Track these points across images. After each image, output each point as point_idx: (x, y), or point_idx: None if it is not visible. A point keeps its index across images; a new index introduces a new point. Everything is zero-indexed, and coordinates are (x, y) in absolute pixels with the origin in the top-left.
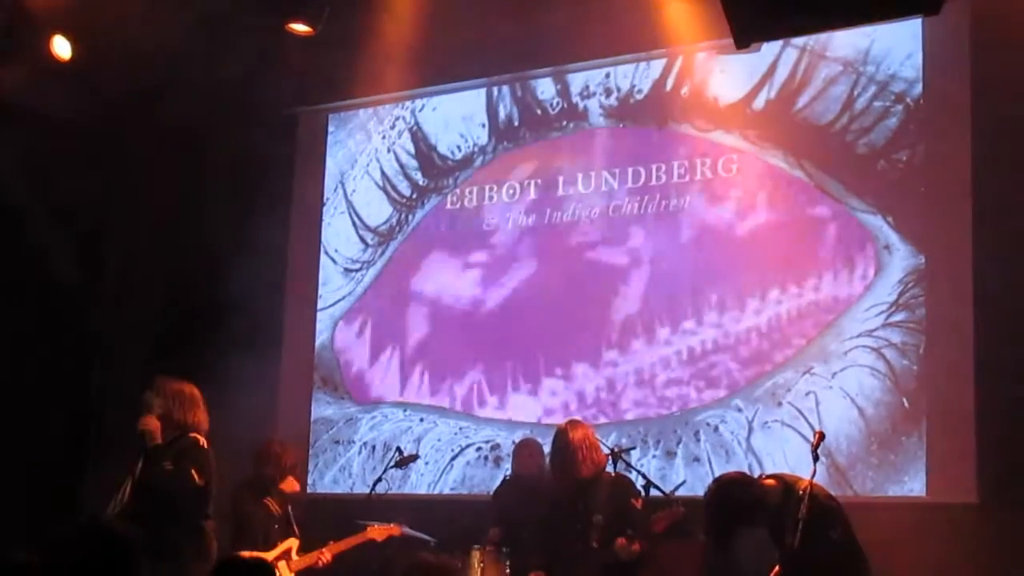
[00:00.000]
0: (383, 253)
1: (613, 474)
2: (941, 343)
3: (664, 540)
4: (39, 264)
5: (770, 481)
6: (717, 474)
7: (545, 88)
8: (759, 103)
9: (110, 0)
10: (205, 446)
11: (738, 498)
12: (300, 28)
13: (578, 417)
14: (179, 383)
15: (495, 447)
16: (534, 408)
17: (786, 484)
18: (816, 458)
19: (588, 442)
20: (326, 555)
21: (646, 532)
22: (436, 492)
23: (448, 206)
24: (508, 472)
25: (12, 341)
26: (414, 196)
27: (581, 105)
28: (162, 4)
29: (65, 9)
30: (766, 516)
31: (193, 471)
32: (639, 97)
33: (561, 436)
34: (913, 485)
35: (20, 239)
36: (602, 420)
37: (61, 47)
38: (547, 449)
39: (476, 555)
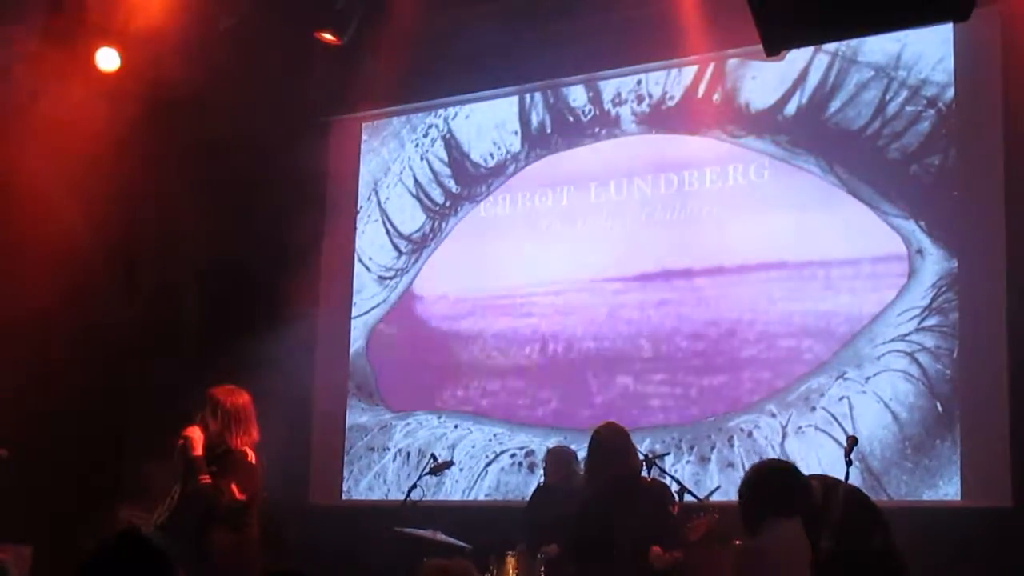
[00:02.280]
0: (417, 260)
1: (648, 479)
2: (974, 347)
3: (698, 546)
4: (74, 266)
5: (812, 482)
6: None
7: (577, 95)
8: (791, 109)
9: (147, 11)
10: (251, 460)
11: (774, 485)
12: (328, 38)
13: (613, 420)
14: (230, 394)
15: (529, 453)
16: (567, 414)
17: (826, 486)
18: (849, 463)
19: (623, 445)
20: None
21: (682, 539)
22: (471, 499)
23: (482, 213)
24: (542, 479)
25: (49, 345)
26: (447, 203)
27: (613, 112)
28: (197, 15)
29: (106, 20)
30: (801, 511)
31: (234, 486)
32: (671, 104)
33: (596, 439)
34: (948, 489)
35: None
36: (635, 425)
37: (106, 59)
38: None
39: (511, 561)
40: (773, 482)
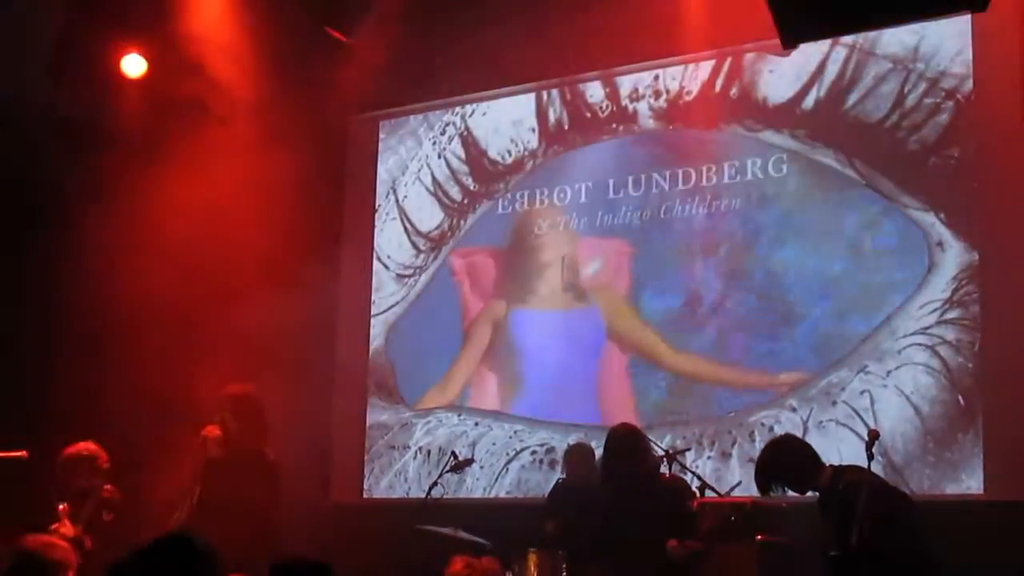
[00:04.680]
0: (435, 258)
1: (668, 475)
2: (996, 339)
3: (720, 540)
4: (92, 270)
5: (827, 468)
6: None
7: (594, 91)
8: (809, 102)
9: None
10: (270, 458)
11: (783, 463)
12: (337, 35)
13: (629, 420)
14: (247, 394)
15: (550, 450)
16: (587, 411)
17: (836, 474)
18: (871, 457)
19: (638, 445)
20: None
21: (700, 534)
22: (491, 496)
23: (499, 210)
24: (561, 476)
25: (69, 350)
26: (465, 201)
27: (630, 107)
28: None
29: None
30: (811, 490)
31: (255, 485)
32: (688, 98)
33: (612, 438)
34: (971, 483)
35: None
36: (656, 422)
37: (132, 65)
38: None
39: (532, 558)
40: (784, 461)
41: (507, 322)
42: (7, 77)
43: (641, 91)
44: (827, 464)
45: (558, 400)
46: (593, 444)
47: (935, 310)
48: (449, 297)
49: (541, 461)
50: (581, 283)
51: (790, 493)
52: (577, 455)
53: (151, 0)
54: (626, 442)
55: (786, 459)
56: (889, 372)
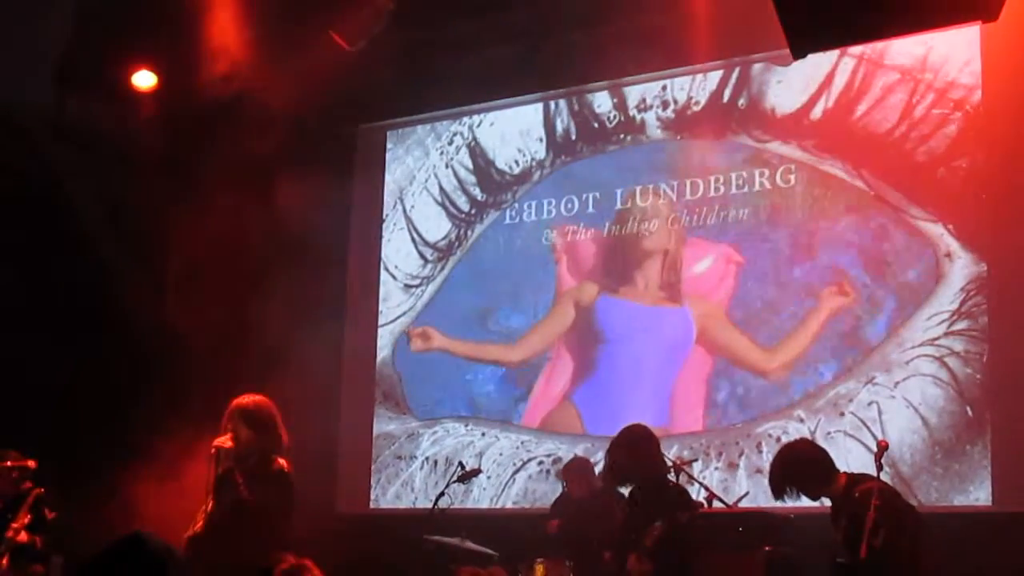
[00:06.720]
0: (443, 268)
1: (672, 484)
2: (1004, 351)
3: (727, 551)
4: (106, 284)
5: (841, 475)
6: None
7: (602, 102)
8: (817, 113)
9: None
10: (286, 469)
11: (799, 467)
12: (344, 44)
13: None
14: (257, 402)
15: (556, 461)
16: (594, 421)
17: (850, 482)
18: (880, 468)
19: (653, 446)
20: None
21: (693, 544)
22: (498, 506)
23: (507, 220)
24: (564, 489)
25: (81, 361)
26: (473, 211)
27: (638, 118)
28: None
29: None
30: (823, 497)
31: (270, 498)
32: (696, 109)
33: (626, 433)
34: (978, 494)
35: (91, 262)
36: (663, 432)
37: (143, 79)
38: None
39: (539, 569)
40: (798, 468)
41: (593, 307)
42: (17, 89)
43: (649, 101)
44: (841, 472)
45: (627, 394)
46: (600, 454)
47: (943, 321)
48: (455, 306)
49: (548, 471)
50: (680, 283)
51: (801, 501)
52: (578, 473)
53: (160, 15)
54: (640, 441)
55: (802, 463)
56: (897, 383)
